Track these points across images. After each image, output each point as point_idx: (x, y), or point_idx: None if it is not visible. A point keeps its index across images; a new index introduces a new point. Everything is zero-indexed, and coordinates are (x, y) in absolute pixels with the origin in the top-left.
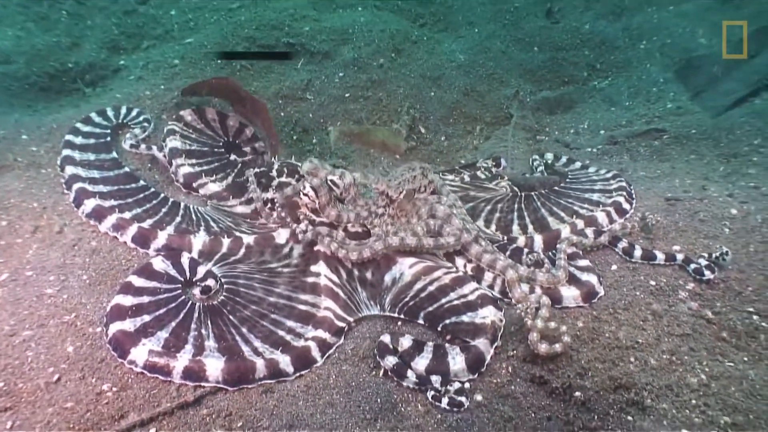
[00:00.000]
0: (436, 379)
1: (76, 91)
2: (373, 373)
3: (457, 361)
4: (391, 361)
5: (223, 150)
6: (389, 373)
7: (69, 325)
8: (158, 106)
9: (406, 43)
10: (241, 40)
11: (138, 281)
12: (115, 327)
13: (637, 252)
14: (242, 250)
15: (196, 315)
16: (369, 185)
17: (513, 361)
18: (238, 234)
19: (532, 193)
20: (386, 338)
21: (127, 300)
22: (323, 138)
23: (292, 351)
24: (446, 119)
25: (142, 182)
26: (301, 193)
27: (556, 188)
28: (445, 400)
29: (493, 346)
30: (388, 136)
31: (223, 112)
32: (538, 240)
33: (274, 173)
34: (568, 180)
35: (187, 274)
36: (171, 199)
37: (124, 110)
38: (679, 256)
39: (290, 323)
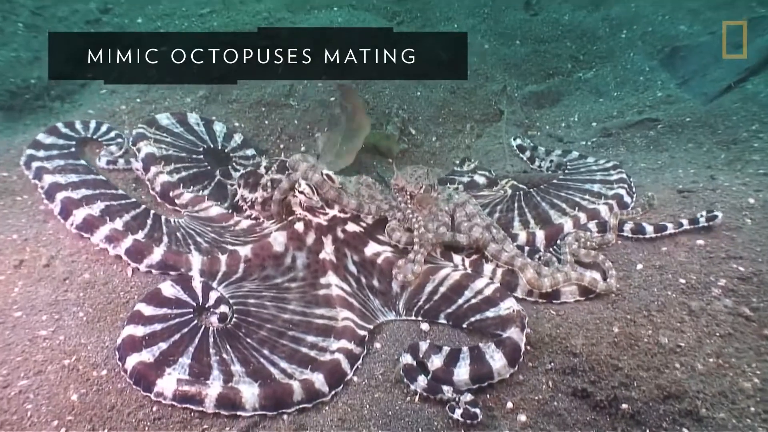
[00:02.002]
0: (447, 389)
1: (41, 109)
2: (409, 399)
3: (496, 358)
4: (407, 359)
5: (201, 157)
6: (402, 371)
7: (70, 370)
8: (136, 120)
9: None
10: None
11: (148, 309)
12: (133, 360)
13: (649, 228)
14: (241, 266)
15: (212, 340)
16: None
17: (552, 375)
18: (231, 247)
19: (531, 189)
20: (423, 345)
21: (139, 330)
22: (311, 145)
23: (323, 367)
24: (435, 119)
25: (120, 191)
26: (297, 191)
27: (555, 180)
28: (459, 412)
29: (524, 334)
30: (379, 139)
31: (209, 118)
32: (540, 235)
33: (262, 170)
34: (566, 170)
35: (200, 299)
36: (152, 211)
37: (93, 125)
38: (684, 221)
39: (311, 338)
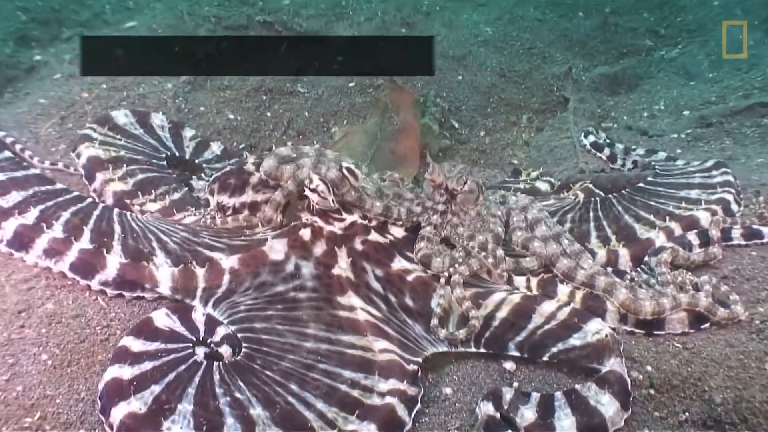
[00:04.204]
0: None
1: None
2: None
3: (604, 402)
4: (488, 409)
5: (164, 164)
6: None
7: None
8: (102, 109)
9: (417, 15)
10: (202, 21)
11: (136, 344)
12: (120, 412)
13: (765, 229)
14: (226, 278)
15: (217, 377)
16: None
17: (689, 429)
18: (211, 255)
19: (610, 196)
20: (508, 392)
21: (126, 371)
22: (326, 142)
23: (374, 415)
24: (483, 109)
25: (59, 185)
26: (308, 190)
27: (641, 185)
28: None
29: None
30: None
31: (178, 121)
32: (624, 254)
33: (250, 167)
34: (655, 174)
35: (201, 333)
36: (100, 204)
37: None
38: None
39: (349, 374)
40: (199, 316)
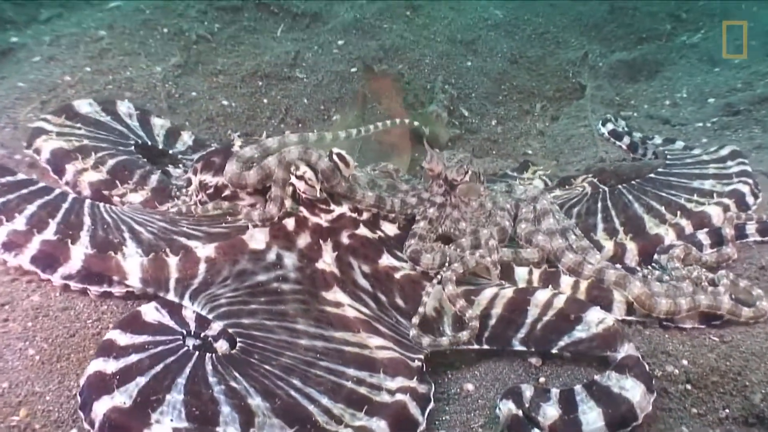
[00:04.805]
0: None
1: None
2: None
3: (628, 387)
4: (511, 407)
5: (132, 149)
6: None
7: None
8: (87, 94)
9: None
10: (192, 2)
11: (123, 338)
12: (102, 406)
13: None
14: (202, 267)
15: (210, 368)
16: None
17: (730, 426)
18: (187, 244)
19: (620, 186)
20: (527, 390)
21: (111, 365)
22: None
23: (384, 411)
24: (494, 96)
25: (21, 175)
26: (294, 176)
27: (652, 176)
28: None
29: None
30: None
31: (146, 110)
32: (632, 248)
33: (237, 149)
34: (668, 163)
35: (192, 328)
36: (71, 195)
37: None
38: None
39: (352, 371)
40: (189, 313)
